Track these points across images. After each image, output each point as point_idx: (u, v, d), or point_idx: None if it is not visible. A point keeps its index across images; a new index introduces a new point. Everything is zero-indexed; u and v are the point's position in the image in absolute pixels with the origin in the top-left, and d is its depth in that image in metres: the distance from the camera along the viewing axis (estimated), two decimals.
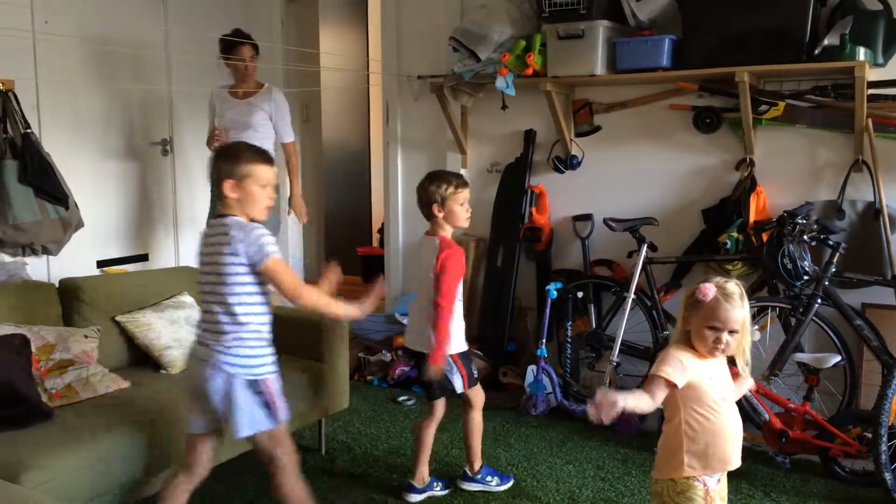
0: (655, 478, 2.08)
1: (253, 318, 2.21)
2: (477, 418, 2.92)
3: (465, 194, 2.77)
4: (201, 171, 4.35)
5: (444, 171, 2.90)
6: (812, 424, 3.05)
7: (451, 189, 2.73)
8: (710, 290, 1.97)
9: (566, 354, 3.87)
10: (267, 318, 2.26)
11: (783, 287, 3.31)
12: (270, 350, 2.28)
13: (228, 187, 2.20)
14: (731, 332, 1.97)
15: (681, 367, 1.96)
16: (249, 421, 2.19)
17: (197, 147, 4.31)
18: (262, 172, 2.23)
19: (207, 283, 2.22)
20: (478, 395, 2.90)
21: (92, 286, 3.04)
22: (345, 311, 2.32)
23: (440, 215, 2.75)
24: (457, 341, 2.79)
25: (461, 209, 2.77)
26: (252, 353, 2.21)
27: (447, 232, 2.79)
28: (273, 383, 2.26)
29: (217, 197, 2.25)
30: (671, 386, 1.95)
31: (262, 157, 2.27)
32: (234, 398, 2.17)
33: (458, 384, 2.81)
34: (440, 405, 2.89)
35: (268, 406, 2.21)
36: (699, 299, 1.98)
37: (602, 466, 3.18)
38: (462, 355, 2.82)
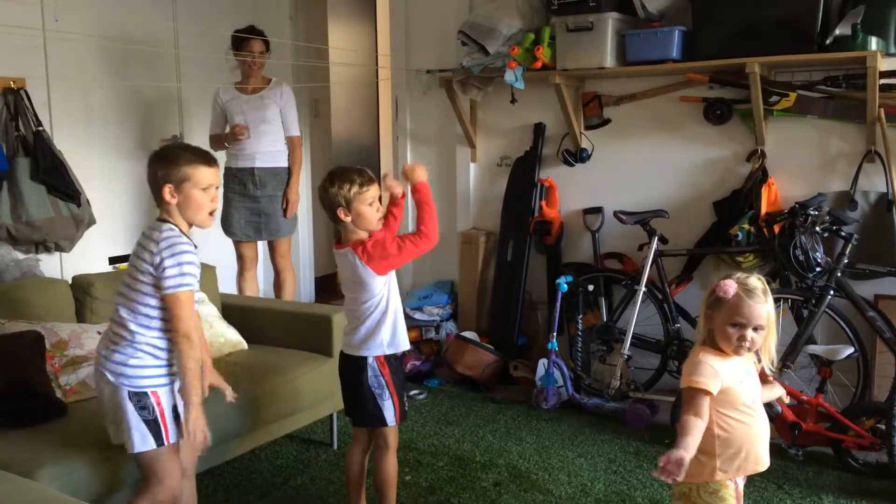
0: (681, 479, 2.01)
1: (146, 331, 2.10)
2: (393, 462, 2.49)
3: (372, 192, 2.37)
4: None
5: (345, 167, 2.44)
6: (825, 416, 3.04)
7: (354, 188, 2.34)
8: (730, 286, 1.91)
9: (577, 348, 3.87)
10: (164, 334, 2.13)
11: (795, 279, 3.29)
12: (163, 364, 2.14)
13: (167, 192, 2.10)
14: (756, 328, 1.91)
15: (713, 372, 1.90)
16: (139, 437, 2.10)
17: (207, 143, 4.31)
18: (203, 175, 2.13)
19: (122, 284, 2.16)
20: (396, 434, 2.51)
21: (104, 282, 3.05)
22: (194, 399, 2.07)
23: (347, 220, 2.36)
24: (397, 337, 2.43)
25: (370, 209, 2.37)
26: (140, 364, 2.10)
27: (361, 236, 2.40)
28: (163, 398, 2.12)
29: (157, 201, 2.15)
30: (708, 394, 1.88)
31: (203, 158, 2.16)
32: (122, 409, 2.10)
33: (391, 414, 2.42)
34: (363, 432, 2.53)
35: (155, 423, 2.10)
36: (720, 297, 1.92)
37: (614, 460, 3.18)
38: (396, 378, 2.44)
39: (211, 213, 2.18)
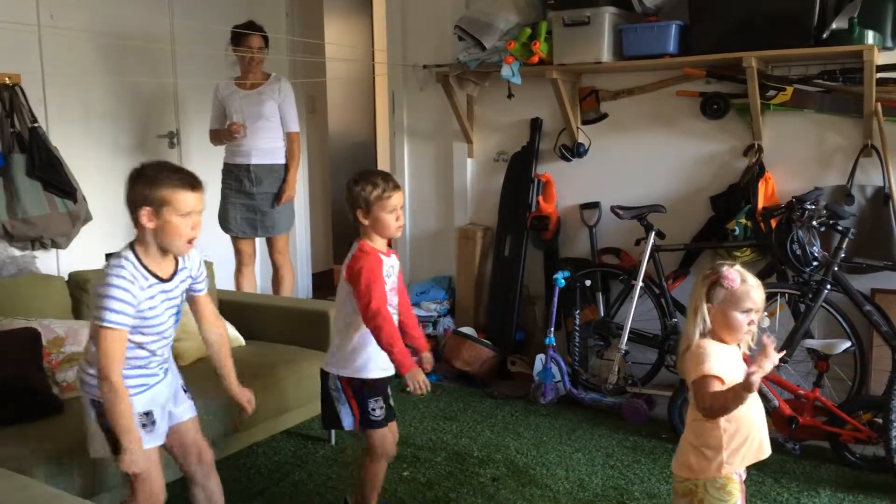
0: (685, 476, 2.00)
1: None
2: (374, 470, 2.45)
3: (395, 199, 2.32)
4: (208, 163, 4.37)
5: (374, 170, 2.40)
6: (822, 411, 3.04)
7: (377, 192, 2.29)
8: (735, 276, 1.93)
9: (574, 343, 3.87)
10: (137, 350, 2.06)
11: (792, 273, 3.29)
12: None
13: (145, 215, 1.99)
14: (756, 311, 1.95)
15: (719, 359, 1.90)
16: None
17: (204, 139, 4.31)
18: (185, 200, 2.00)
19: None
20: (381, 441, 2.41)
21: None
22: (123, 442, 1.95)
23: (365, 222, 2.33)
24: (355, 364, 2.36)
25: (390, 217, 2.32)
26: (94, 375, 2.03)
27: (375, 242, 2.36)
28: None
29: (134, 223, 2.04)
30: (720, 381, 1.88)
31: (187, 181, 2.03)
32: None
33: (347, 420, 2.38)
34: (361, 439, 2.51)
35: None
36: (730, 289, 1.92)
37: (611, 454, 3.19)
38: (355, 384, 2.37)
39: (190, 241, 2.05)
